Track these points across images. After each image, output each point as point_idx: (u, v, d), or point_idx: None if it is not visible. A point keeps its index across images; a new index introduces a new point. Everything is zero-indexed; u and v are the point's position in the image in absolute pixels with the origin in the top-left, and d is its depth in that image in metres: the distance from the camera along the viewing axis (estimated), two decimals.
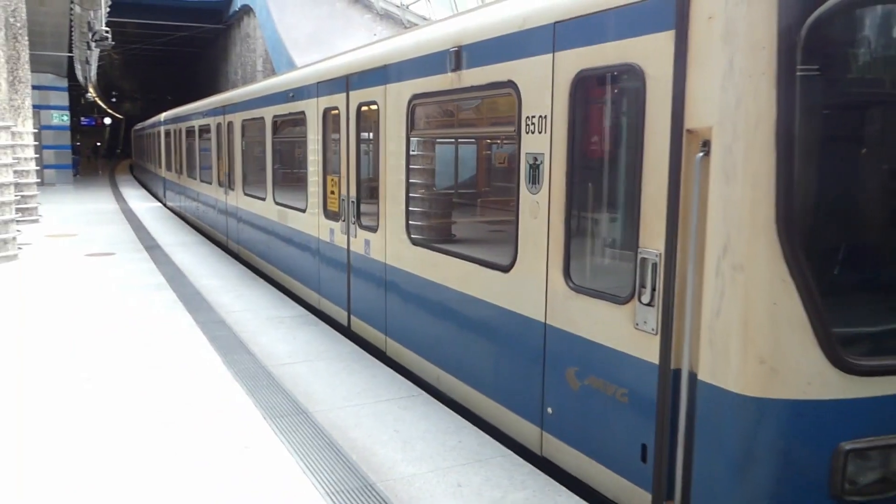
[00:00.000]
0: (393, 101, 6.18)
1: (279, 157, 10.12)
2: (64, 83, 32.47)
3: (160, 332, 7.39)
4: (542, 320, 4.37)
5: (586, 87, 4.06)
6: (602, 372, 3.91)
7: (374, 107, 6.59)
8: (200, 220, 16.37)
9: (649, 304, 3.55)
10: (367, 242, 6.90)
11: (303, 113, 8.51)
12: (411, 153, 5.99)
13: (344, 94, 7.30)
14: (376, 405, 5.39)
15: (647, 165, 3.55)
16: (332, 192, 7.77)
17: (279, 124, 9.75)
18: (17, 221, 11.86)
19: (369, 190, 6.98)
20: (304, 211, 8.65)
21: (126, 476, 4.20)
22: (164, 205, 23.27)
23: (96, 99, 49.50)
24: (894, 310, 3.49)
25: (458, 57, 5.18)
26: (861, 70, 3.36)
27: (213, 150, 13.92)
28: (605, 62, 3.83)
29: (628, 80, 3.76)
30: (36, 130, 18.09)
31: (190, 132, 16.99)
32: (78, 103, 43.27)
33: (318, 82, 8.08)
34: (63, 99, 32.31)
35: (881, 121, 3.50)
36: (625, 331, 3.72)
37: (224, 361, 6.40)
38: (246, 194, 11.47)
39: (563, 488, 4.13)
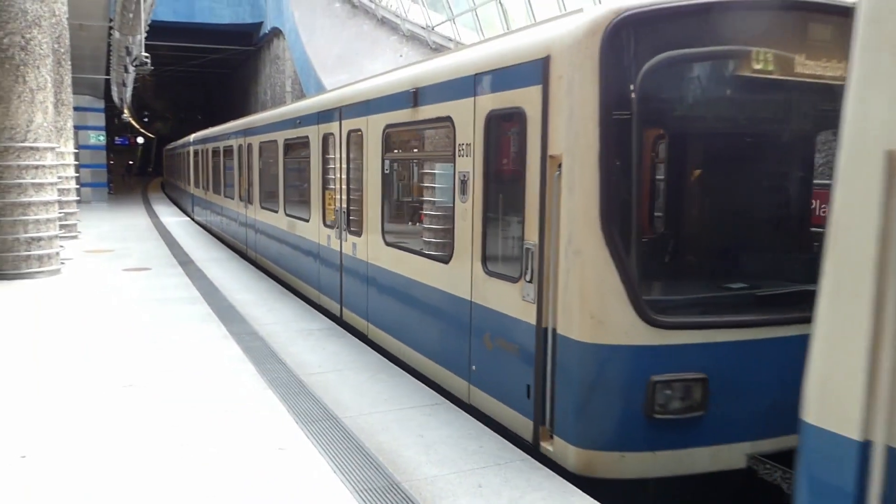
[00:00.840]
0: (373, 129, 7.59)
1: (290, 175, 11.49)
2: (101, 104, 33.49)
3: (197, 342, 7.77)
4: (469, 299, 5.66)
5: (495, 123, 5.36)
6: (505, 334, 5.22)
7: (359, 133, 7.91)
8: (223, 231, 18.01)
9: (530, 282, 4.84)
10: (354, 245, 8.26)
11: (307, 137, 9.97)
12: (385, 171, 7.40)
13: (338, 123, 8.62)
14: (401, 412, 5.70)
15: (529, 181, 4.87)
16: (330, 205, 9.17)
17: (289, 147, 11.20)
18: (60, 237, 12.38)
19: (356, 202, 8.28)
20: (308, 221, 10.08)
21: (172, 473, 4.54)
22: (192, 219, 24.69)
23: (130, 119, 50.72)
24: (690, 284, 5.05)
25: (416, 96, 6.52)
26: (656, 114, 4.82)
27: (235, 168, 15.55)
28: (504, 105, 5.20)
29: (518, 119, 5.00)
30: (76, 150, 18.75)
31: (215, 152, 18.58)
32: (112, 123, 44.45)
33: (318, 112, 9.55)
34: (100, 119, 33.32)
35: (674, 148, 5.36)
36: (516, 302, 5.02)
37: (258, 370, 6.75)
38: (262, 207, 13.07)
39: (577, 489, 4.39)
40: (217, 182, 18.89)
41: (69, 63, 18.29)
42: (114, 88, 35.28)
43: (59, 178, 12.66)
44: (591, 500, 4.29)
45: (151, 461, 4.72)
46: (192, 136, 23.98)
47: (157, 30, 26.51)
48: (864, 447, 2.34)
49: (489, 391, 5.47)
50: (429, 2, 24.60)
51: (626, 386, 4.43)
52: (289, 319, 8.95)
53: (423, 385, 6.39)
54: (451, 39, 23.52)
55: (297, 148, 10.81)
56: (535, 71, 4.73)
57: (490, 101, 5.32)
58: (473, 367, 5.66)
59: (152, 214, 26.86)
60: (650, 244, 5.26)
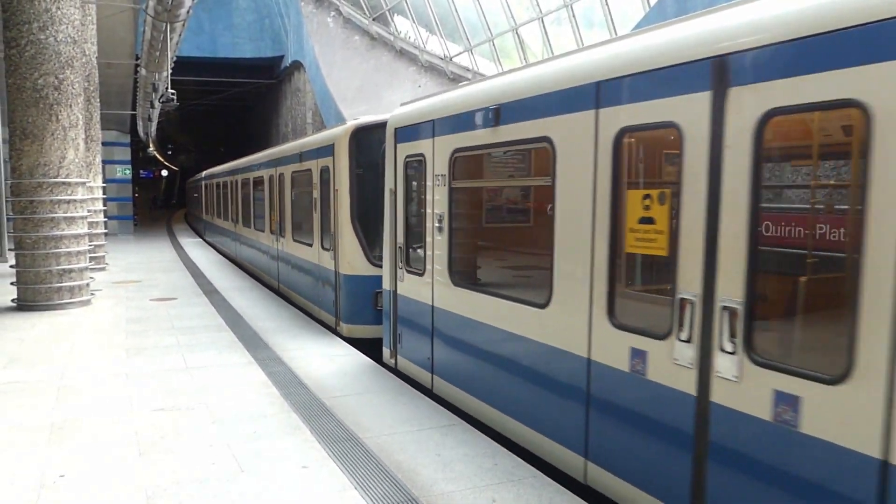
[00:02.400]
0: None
1: (282, 203, 13.86)
2: (127, 139, 34.34)
3: (223, 368, 8.06)
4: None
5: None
6: (323, 275, 11.20)
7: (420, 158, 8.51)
8: (234, 251, 21.44)
9: (326, 249, 10.81)
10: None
11: (309, 170, 11.59)
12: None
13: (330, 157, 10.42)
14: (419, 432, 5.92)
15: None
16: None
17: (294, 179, 12.84)
18: (89, 269, 12.78)
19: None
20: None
21: (206, 490, 4.79)
22: (204, 239, 30.84)
23: (155, 152, 51.81)
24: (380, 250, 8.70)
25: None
26: (374, 168, 9.32)
27: (265, 199, 16.33)
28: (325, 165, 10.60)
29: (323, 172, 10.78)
30: (104, 185, 19.30)
31: (223, 185, 22.77)
32: (137, 156, 45.44)
33: (316, 148, 11.25)
34: (126, 154, 34.15)
35: (377, 184, 9.10)
36: (316, 254, 11.37)
37: (281, 394, 7.01)
38: (294, 240, 14.15)
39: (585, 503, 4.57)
40: (225, 208, 22.33)
41: (98, 100, 18.90)
42: (139, 123, 36.18)
43: (89, 211, 13.08)
44: None
45: (186, 479, 4.96)
46: (204, 173, 25.43)
47: (181, 65, 27.28)
48: None
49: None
50: (446, 32, 25.12)
51: (364, 294, 9.61)
52: (311, 346, 9.22)
53: (441, 407, 6.60)
54: (468, 69, 23.99)
55: (300, 181, 11.82)
56: (328, 150, 10.43)
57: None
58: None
59: (177, 246, 27.39)
60: (369, 230, 9.63)
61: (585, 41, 17.75)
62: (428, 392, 7.16)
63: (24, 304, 11.95)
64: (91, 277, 12.90)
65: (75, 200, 12.06)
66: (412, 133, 7.42)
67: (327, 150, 10.37)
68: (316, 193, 11.06)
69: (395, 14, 29.42)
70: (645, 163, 4.73)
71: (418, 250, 7.43)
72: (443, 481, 4.95)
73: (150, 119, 32.84)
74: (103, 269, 17.95)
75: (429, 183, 7.01)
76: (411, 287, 7.50)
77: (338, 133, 10.06)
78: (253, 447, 5.58)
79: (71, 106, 11.91)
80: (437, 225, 6.84)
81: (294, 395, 6.96)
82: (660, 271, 4.36)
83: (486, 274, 6.98)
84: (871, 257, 3.02)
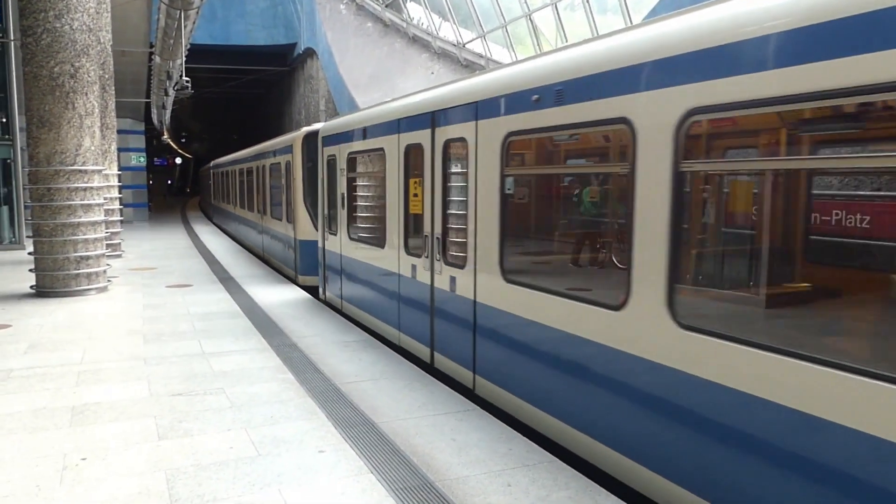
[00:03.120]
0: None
1: (264, 188, 17.97)
2: (141, 126, 34.53)
3: (239, 353, 8.14)
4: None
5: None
6: (285, 241, 15.56)
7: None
8: (234, 230, 24.75)
9: (289, 221, 14.94)
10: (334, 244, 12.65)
11: (279, 163, 15.68)
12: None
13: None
14: (435, 417, 5.97)
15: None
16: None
17: (271, 170, 16.73)
18: (106, 256, 12.90)
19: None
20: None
21: (224, 473, 4.86)
22: (211, 220, 34.09)
23: (169, 140, 52.08)
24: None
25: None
26: (312, 163, 13.07)
27: (252, 186, 20.15)
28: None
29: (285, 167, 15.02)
30: (119, 172, 19.43)
31: (226, 174, 25.80)
32: (151, 144, 45.66)
33: (283, 147, 15.50)
34: (140, 141, 34.36)
35: (313, 174, 13.05)
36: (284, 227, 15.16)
37: (297, 379, 7.08)
38: (241, 207, 19.35)
39: (603, 489, 4.60)
40: (233, 195, 24.79)
41: (113, 88, 19.00)
42: (153, 111, 36.35)
43: (105, 198, 13.19)
44: (616, 498, 4.50)
45: (205, 462, 5.04)
46: (212, 162, 25.51)
47: (195, 53, 27.35)
48: None
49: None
50: (459, 19, 25.03)
51: (311, 252, 12.83)
52: (325, 332, 9.29)
53: (456, 393, 6.65)
54: (481, 56, 23.91)
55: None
56: (289, 148, 14.40)
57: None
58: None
59: (192, 234, 27.56)
60: (315, 207, 12.46)
61: (599, 28, 17.64)
62: (340, 312, 10.77)
63: (43, 290, 12.09)
64: (108, 264, 13.02)
65: (92, 188, 12.16)
66: (329, 140, 11.01)
67: (288, 149, 14.48)
68: (283, 181, 14.99)
69: (408, 0, 29.32)
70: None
71: (334, 217, 10.80)
72: (458, 466, 5.00)
73: (164, 107, 33.01)
74: (119, 255, 18.11)
75: (337, 174, 10.57)
76: (332, 244, 11.05)
77: (295, 136, 14.32)
78: (270, 431, 5.65)
79: (87, 94, 11.98)
80: (341, 199, 10.36)
81: (310, 381, 7.03)
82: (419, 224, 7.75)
83: (355, 230, 10.11)
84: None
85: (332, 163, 10.81)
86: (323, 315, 10.48)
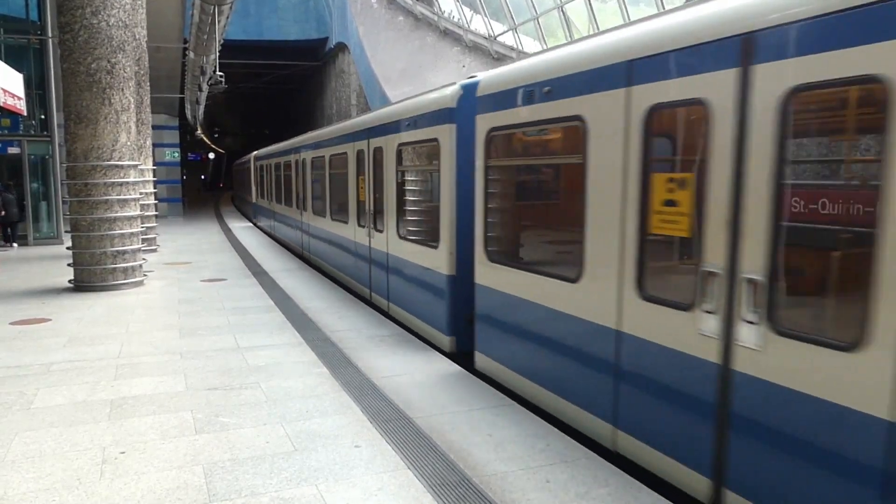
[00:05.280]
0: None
1: (304, 184, 16.32)
2: (175, 122, 34.90)
3: (273, 348, 8.16)
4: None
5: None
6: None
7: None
8: (270, 221, 23.12)
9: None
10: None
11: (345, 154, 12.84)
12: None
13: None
14: (470, 413, 5.91)
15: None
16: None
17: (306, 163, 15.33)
18: (142, 251, 13.04)
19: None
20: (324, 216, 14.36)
21: (259, 468, 4.86)
22: (234, 204, 33.03)
23: (202, 135, 52.65)
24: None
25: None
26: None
27: (292, 180, 17.75)
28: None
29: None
30: (154, 167, 19.65)
31: (273, 167, 21.75)
32: (184, 139, 46.18)
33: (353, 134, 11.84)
34: (174, 137, 34.73)
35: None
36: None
37: (332, 374, 7.07)
38: (314, 213, 15.66)
39: (643, 486, 4.51)
40: (272, 191, 22.08)
41: (148, 84, 19.20)
42: (187, 106, 36.73)
43: (141, 193, 13.33)
44: (657, 495, 4.40)
45: (242, 457, 5.04)
46: (250, 154, 22.99)
47: (228, 48, 27.57)
48: None
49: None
50: (491, 12, 24.87)
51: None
52: (360, 326, 9.27)
53: (491, 388, 6.58)
54: (513, 49, 23.73)
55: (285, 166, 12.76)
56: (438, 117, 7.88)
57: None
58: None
59: (226, 229, 27.81)
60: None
61: (632, 18, 17.38)
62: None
63: (81, 284, 12.26)
64: (144, 259, 13.17)
65: (128, 183, 12.29)
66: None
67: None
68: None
69: None
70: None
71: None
72: (495, 461, 4.93)
73: (197, 102, 33.33)
74: (154, 250, 18.33)
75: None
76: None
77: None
78: (305, 426, 5.64)
79: (123, 90, 12.10)
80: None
81: (344, 375, 7.01)
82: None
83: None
84: None
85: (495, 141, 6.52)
86: (356, 308, 10.47)
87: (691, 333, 4.20)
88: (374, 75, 29.53)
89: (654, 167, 4.52)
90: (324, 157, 13.92)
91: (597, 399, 5.14)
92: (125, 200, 12.27)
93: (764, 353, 3.72)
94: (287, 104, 64.38)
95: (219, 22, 18.78)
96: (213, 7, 17.61)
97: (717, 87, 3.95)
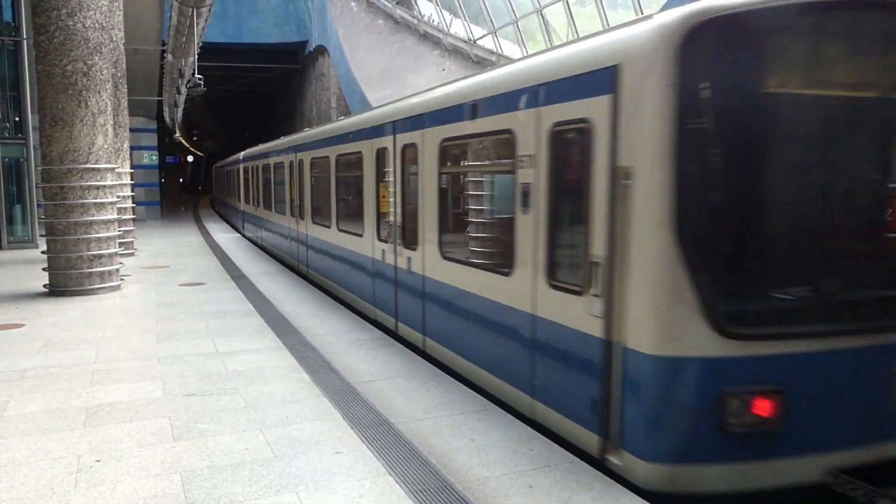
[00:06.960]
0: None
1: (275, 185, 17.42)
2: (153, 125, 34.62)
3: (253, 353, 8.07)
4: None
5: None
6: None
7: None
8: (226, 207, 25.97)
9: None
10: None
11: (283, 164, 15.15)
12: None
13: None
14: (452, 417, 5.87)
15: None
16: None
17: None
18: (119, 255, 12.87)
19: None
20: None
21: (239, 475, 4.79)
22: (213, 208, 33.79)
23: (181, 138, 52.14)
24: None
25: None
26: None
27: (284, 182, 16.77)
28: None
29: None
30: (132, 170, 19.42)
31: (273, 167, 19.04)
32: (163, 142, 45.75)
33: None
34: (152, 140, 34.47)
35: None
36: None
37: (312, 379, 7.00)
38: (263, 206, 18.55)
39: (626, 490, 4.50)
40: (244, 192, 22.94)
41: (125, 86, 18.99)
42: (165, 109, 36.38)
43: (118, 196, 13.16)
44: (641, 500, 4.39)
45: (220, 464, 4.97)
46: (267, 145, 19.21)
47: (206, 51, 27.33)
48: None
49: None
50: (470, 16, 24.88)
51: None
52: (340, 331, 9.20)
53: (473, 392, 6.55)
54: (492, 52, 23.75)
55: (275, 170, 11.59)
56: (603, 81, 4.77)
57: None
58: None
59: (204, 232, 27.57)
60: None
61: (611, 22, 17.47)
62: None
63: (56, 289, 12.07)
64: (121, 262, 12.99)
65: (105, 186, 12.13)
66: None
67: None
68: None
69: None
70: None
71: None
72: (478, 467, 4.90)
73: (176, 105, 33.02)
74: (132, 254, 18.11)
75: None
76: None
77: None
78: (285, 432, 5.57)
79: (99, 92, 11.95)
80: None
81: (325, 381, 6.94)
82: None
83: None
84: None
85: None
86: (336, 312, 10.40)
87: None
88: (354, 78, 29.42)
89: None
90: (328, 157, 11.93)
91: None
92: (102, 204, 12.10)
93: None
94: (267, 107, 63.92)
95: (197, 24, 18.61)
96: (191, 9, 17.43)
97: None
